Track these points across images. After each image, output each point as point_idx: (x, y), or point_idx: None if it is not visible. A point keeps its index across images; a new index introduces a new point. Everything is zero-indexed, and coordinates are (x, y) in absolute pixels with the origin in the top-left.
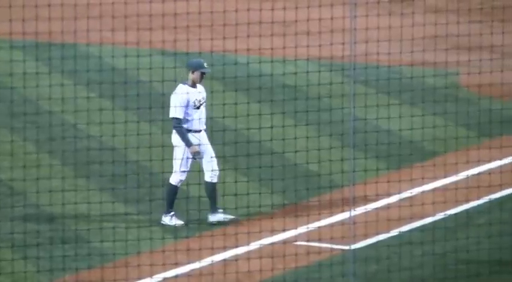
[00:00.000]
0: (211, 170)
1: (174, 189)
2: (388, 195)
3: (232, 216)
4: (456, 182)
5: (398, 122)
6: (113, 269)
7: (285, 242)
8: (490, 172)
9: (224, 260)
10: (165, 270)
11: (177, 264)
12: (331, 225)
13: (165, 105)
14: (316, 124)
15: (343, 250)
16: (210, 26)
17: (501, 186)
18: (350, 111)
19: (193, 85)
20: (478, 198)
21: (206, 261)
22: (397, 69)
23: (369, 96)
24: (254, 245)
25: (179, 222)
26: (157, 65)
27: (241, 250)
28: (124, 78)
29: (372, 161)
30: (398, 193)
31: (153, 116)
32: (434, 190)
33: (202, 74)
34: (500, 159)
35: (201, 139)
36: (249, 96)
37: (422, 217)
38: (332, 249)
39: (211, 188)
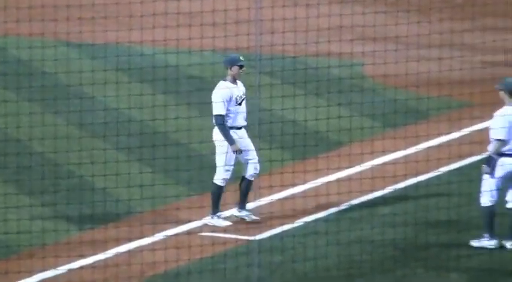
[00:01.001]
0: (254, 169)
1: (219, 190)
2: (293, 185)
3: (256, 218)
4: (361, 172)
5: (303, 113)
6: (17, 261)
7: (190, 232)
8: (394, 162)
9: (129, 251)
10: (69, 261)
11: (82, 256)
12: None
13: (70, 97)
14: None
15: (248, 240)
16: (115, 17)
17: (405, 176)
18: (255, 102)
19: (234, 81)
20: (383, 188)
21: (111, 253)
22: (302, 60)
23: (274, 87)
24: (159, 236)
25: (227, 223)
26: (63, 56)
27: (146, 241)
28: (29, 70)
29: (277, 151)
30: (304, 183)
31: (58, 108)
32: (339, 180)
33: (240, 67)
34: (405, 149)
35: (242, 135)
36: (154, 88)
37: (327, 207)
38: (237, 240)
39: (248, 185)
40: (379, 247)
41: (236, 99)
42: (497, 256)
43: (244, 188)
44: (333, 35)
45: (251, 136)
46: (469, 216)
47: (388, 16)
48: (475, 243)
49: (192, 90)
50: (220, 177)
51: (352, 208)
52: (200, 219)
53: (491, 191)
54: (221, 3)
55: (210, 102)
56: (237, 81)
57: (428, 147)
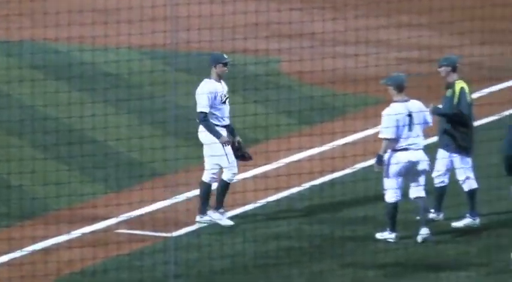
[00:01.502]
0: (233, 172)
1: (208, 188)
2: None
3: (230, 223)
4: (277, 169)
5: None
6: None
7: (106, 230)
8: (310, 159)
9: (45, 249)
10: None
11: None
12: (153, 213)
13: None
14: (138, 112)
15: (164, 238)
16: (30, 15)
17: (322, 173)
18: (172, 99)
19: (218, 79)
20: (299, 185)
21: (27, 251)
22: None
23: (190, 84)
24: (76, 234)
25: (229, 222)
26: None
27: (62, 239)
28: None
29: (193, 148)
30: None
31: None
32: (255, 177)
33: (225, 65)
34: (321, 146)
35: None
36: (70, 85)
37: (244, 204)
38: (154, 237)
39: (225, 187)
40: (295, 243)
41: (221, 97)
42: (413, 251)
43: (221, 191)
44: (249, 32)
45: (168, 133)
46: (383, 212)
47: (304, 13)
48: (378, 235)
49: (108, 88)
50: (209, 173)
51: (269, 205)
52: (117, 216)
53: (395, 188)
54: (137, 0)
55: (127, 100)
56: (221, 80)
57: (345, 144)
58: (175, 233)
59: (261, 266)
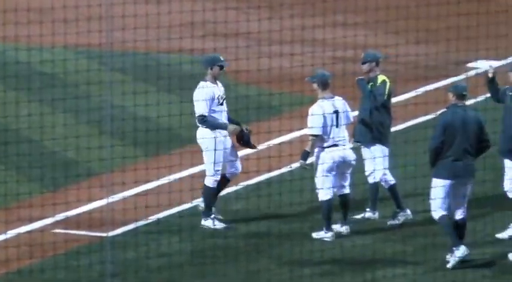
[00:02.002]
0: (236, 169)
1: (210, 191)
2: (146, 182)
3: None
4: None
5: (156, 109)
6: None
7: (42, 230)
8: (247, 158)
9: None
10: None
11: None
12: (90, 212)
13: None
14: (74, 111)
15: (101, 237)
16: None
17: (258, 172)
18: (107, 99)
19: (214, 81)
20: (236, 184)
21: None
22: (154, 56)
23: (126, 84)
24: (12, 234)
25: (220, 225)
26: None
27: None
28: None
29: (130, 148)
30: (157, 180)
31: None
32: (192, 176)
33: (221, 68)
34: (258, 145)
35: (226, 134)
36: (5, 84)
37: (180, 203)
38: (90, 237)
39: (224, 184)
40: (232, 243)
41: (218, 99)
42: (349, 249)
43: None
44: (185, 32)
45: (104, 133)
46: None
47: (239, 12)
48: (314, 235)
49: (44, 87)
50: (211, 178)
51: None
52: (54, 216)
53: (328, 186)
54: None
55: (63, 99)
56: (217, 81)
57: (281, 143)
58: (111, 233)
59: (197, 265)
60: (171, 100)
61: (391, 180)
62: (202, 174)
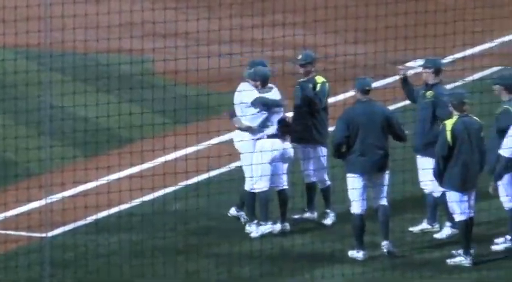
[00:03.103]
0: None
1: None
2: (86, 182)
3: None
4: (153, 169)
5: (95, 110)
6: None
7: None
8: (186, 158)
9: None
10: None
11: None
12: (29, 213)
13: None
14: (13, 112)
15: (40, 238)
16: None
17: (197, 172)
18: (46, 99)
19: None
20: (175, 184)
21: None
22: (93, 57)
23: (65, 84)
24: None
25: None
26: None
27: None
28: None
29: (69, 148)
30: (96, 180)
31: None
32: (131, 177)
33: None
34: (196, 145)
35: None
36: None
37: (119, 204)
38: (29, 237)
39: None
40: (171, 243)
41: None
42: (288, 248)
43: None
44: (124, 32)
45: (42, 133)
46: (258, 210)
47: (178, 12)
48: (253, 234)
49: None
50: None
51: (145, 204)
52: None
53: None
54: (11, 0)
55: (1, 100)
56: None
57: (220, 143)
58: (50, 233)
59: (136, 266)
60: (109, 100)
61: (327, 180)
62: (142, 175)
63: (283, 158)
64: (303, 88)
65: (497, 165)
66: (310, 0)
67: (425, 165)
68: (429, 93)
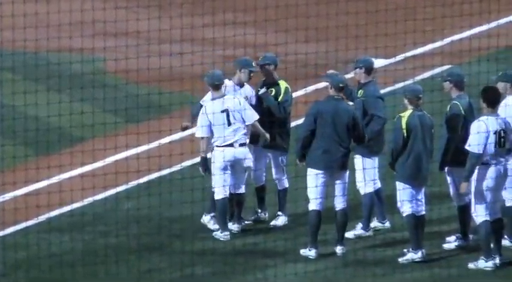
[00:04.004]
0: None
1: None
2: (37, 181)
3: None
4: (104, 168)
5: (46, 109)
6: None
7: None
8: (137, 157)
9: None
10: None
11: None
12: None
13: None
14: None
15: None
16: None
17: (149, 171)
18: None
19: (241, 84)
20: (127, 183)
21: None
22: (44, 56)
23: (16, 83)
24: None
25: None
26: None
27: None
28: None
29: (20, 147)
30: (48, 179)
31: None
32: (83, 176)
33: (250, 72)
34: (148, 144)
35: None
36: None
37: (71, 203)
38: None
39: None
40: (124, 242)
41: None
42: (240, 248)
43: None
44: (75, 31)
45: None
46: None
47: (129, 11)
48: (217, 236)
49: None
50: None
51: (96, 203)
52: None
53: (222, 185)
54: None
55: None
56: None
57: (171, 142)
58: (2, 233)
59: (89, 264)
60: (61, 99)
61: (286, 184)
62: (94, 174)
63: (237, 167)
64: (265, 99)
65: (466, 163)
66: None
67: (359, 165)
68: (360, 92)
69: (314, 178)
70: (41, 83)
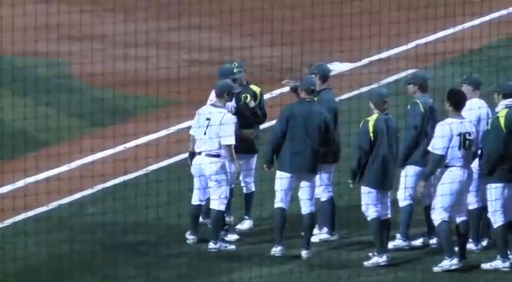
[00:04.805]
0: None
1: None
2: (2, 185)
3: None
4: (70, 172)
5: (11, 112)
6: None
7: None
8: (103, 161)
9: None
10: None
11: None
12: None
13: None
14: None
15: None
16: None
17: (114, 175)
18: None
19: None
20: (92, 187)
21: None
22: (9, 59)
23: None
24: None
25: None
26: None
27: None
28: None
29: None
30: (13, 183)
31: None
32: (48, 180)
33: (234, 80)
34: (113, 148)
35: None
36: None
37: (36, 207)
38: None
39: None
40: (88, 246)
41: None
42: (205, 252)
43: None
44: (40, 34)
45: None
46: (177, 213)
47: (94, 15)
48: (211, 248)
49: None
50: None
51: (62, 207)
52: None
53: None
54: None
55: None
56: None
57: (137, 146)
58: None
59: (54, 269)
60: (26, 103)
61: (253, 188)
62: (60, 178)
63: (198, 173)
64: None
65: (428, 163)
66: (226, 3)
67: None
68: (315, 100)
69: (282, 180)
70: (6, 86)
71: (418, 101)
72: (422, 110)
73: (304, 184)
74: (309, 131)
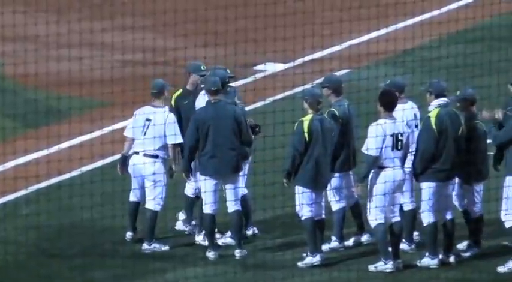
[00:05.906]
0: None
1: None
2: None
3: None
4: (3, 173)
5: None
6: None
7: None
8: (37, 162)
9: None
10: None
11: None
12: None
13: None
14: None
15: None
16: None
17: (48, 176)
18: None
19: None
20: (26, 188)
21: None
22: None
23: None
24: None
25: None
26: None
27: None
28: None
29: None
30: None
31: None
32: None
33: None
34: (47, 149)
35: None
36: None
37: None
38: None
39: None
40: (22, 247)
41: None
42: (139, 251)
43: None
44: None
45: None
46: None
47: (27, 16)
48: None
49: None
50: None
51: None
52: None
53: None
54: None
55: None
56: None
57: (71, 147)
58: None
59: None
60: None
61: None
62: (4, 177)
63: (135, 173)
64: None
65: (363, 165)
66: (159, 4)
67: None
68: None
69: (206, 183)
70: None
71: (333, 109)
72: (337, 117)
73: (228, 186)
74: (220, 132)
